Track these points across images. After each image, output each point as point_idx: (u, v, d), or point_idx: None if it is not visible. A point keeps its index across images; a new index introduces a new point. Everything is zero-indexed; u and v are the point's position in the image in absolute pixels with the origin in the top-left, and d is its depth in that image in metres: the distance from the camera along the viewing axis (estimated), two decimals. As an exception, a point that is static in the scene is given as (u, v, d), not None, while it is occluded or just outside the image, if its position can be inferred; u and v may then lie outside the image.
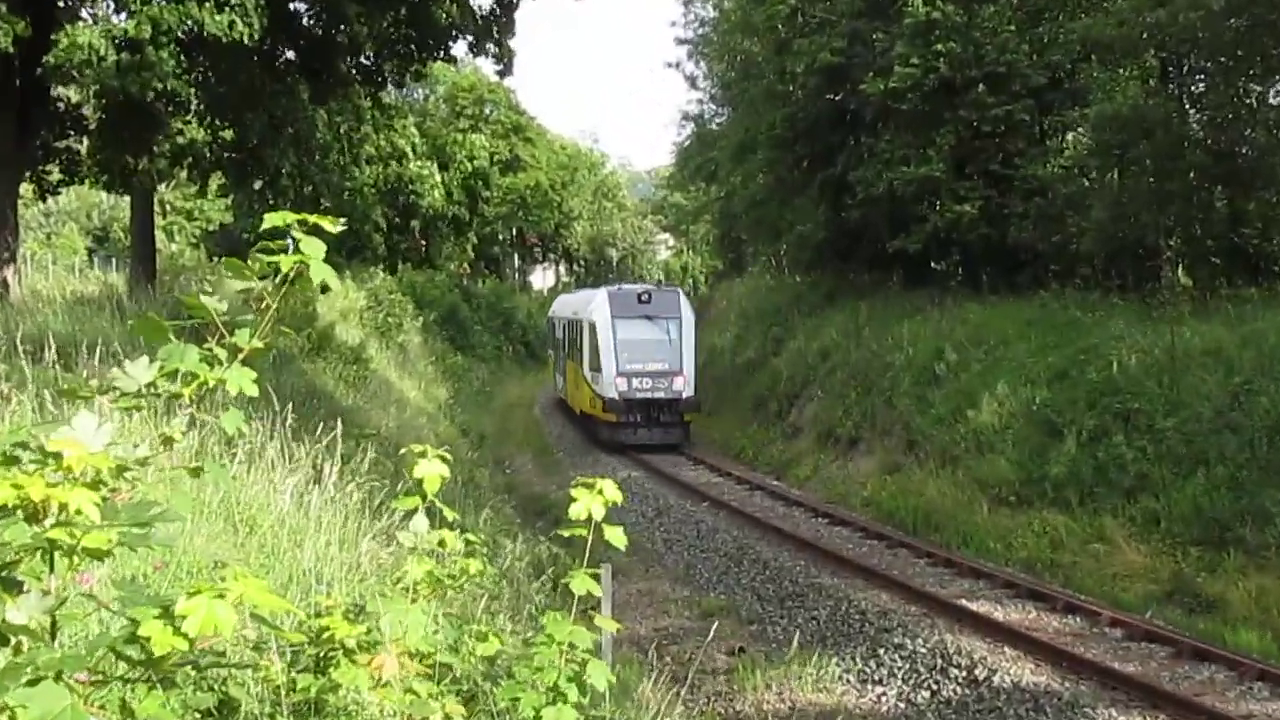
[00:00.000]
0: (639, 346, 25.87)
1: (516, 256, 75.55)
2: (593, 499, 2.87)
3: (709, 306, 42.04)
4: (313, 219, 2.18)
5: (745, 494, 20.48)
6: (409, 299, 32.83)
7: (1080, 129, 22.78)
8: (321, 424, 7.44)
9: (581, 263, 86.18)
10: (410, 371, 27.77)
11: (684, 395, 25.92)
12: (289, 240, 2.27)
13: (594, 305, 27.40)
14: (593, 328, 26.68)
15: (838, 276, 29.84)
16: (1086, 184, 21.84)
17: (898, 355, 21.35)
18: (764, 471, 23.16)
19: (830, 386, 23.52)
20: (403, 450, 2.99)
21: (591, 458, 25.60)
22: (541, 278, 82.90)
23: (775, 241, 34.64)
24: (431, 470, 2.87)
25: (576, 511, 2.85)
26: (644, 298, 26.64)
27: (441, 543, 3.16)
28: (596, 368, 26.41)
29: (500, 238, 69.07)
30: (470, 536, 3.45)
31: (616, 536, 2.95)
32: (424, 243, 43.93)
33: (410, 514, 3.07)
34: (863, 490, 19.02)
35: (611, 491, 2.91)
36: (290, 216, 2.16)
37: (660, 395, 25.77)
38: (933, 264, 26.92)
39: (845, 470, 20.54)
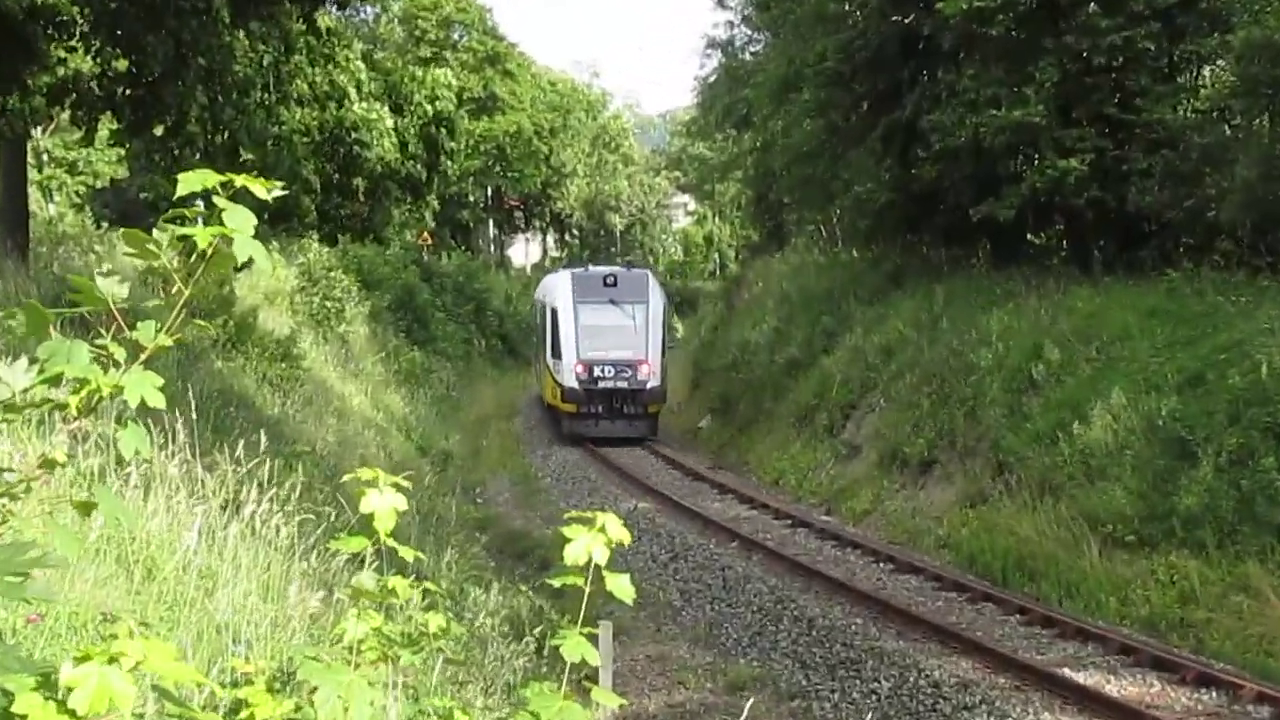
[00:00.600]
0: (602, 332, 30.55)
1: (492, 224, 75.65)
2: (593, 539, 2.87)
3: (740, 289, 42.05)
4: (240, 180, 2.20)
5: (786, 532, 20.50)
6: (352, 278, 32.89)
7: (1220, 61, 22.69)
8: (240, 438, 7.48)
9: (575, 232, 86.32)
10: (354, 371, 27.86)
11: (649, 385, 30.62)
12: (202, 205, 2.30)
13: (557, 288, 32.54)
14: (554, 312, 31.48)
15: (906, 252, 29.78)
16: (1228, 132, 21.75)
17: (984, 354, 21.33)
18: (810, 503, 23.17)
19: (896, 394, 23.52)
20: (346, 477, 3.01)
21: (587, 485, 25.68)
22: (524, 251, 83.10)
23: (826, 206, 34.55)
24: (384, 504, 2.88)
25: (573, 555, 2.86)
26: (610, 280, 31.62)
27: (393, 591, 3.19)
28: (557, 354, 31.09)
29: (471, 199, 69.17)
30: (430, 585, 3.48)
31: (622, 588, 2.95)
32: (371, 206, 43.95)
33: (356, 558, 3.10)
34: (937, 528, 19.01)
35: (616, 529, 2.91)
36: (213, 177, 2.19)
37: (623, 385, 30.44)
38: (1029, 236, 26.81)
39: (915, 502, 20.54)
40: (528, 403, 39.83)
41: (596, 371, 30.41)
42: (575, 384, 30.35)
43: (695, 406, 36.60)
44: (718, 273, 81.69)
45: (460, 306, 46.92)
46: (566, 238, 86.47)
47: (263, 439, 7.42)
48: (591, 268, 35.77)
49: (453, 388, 37.08)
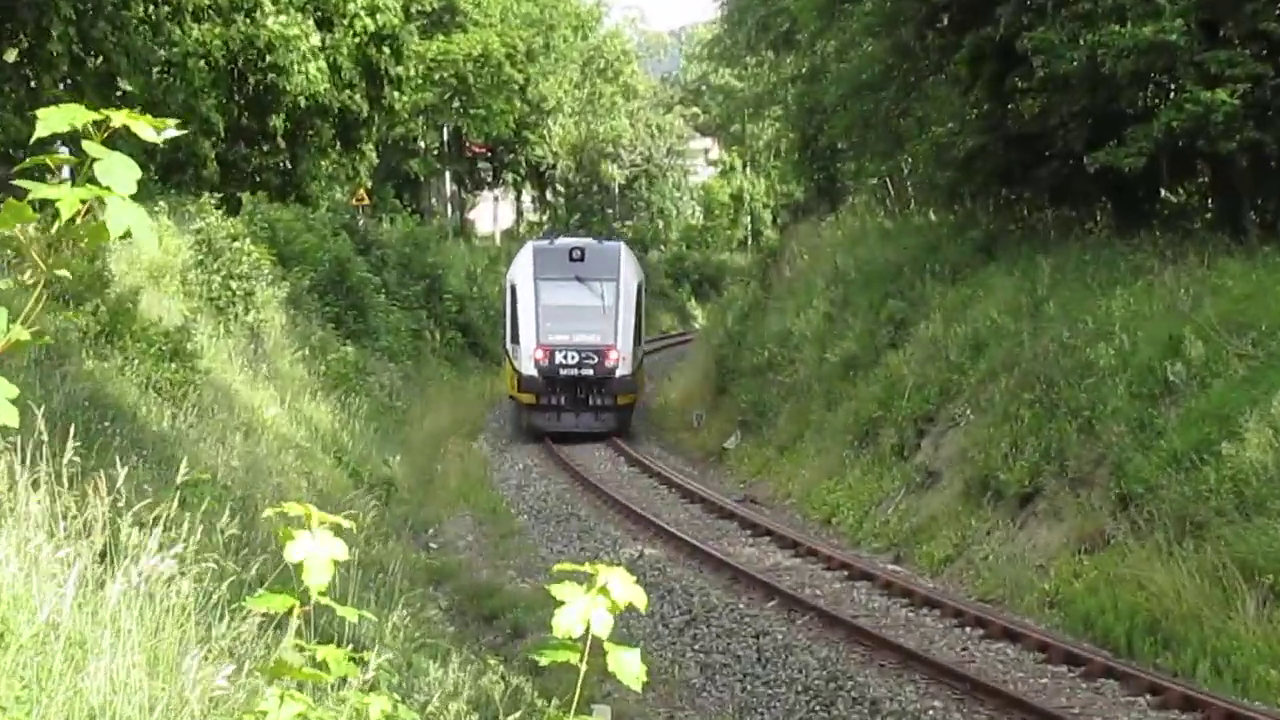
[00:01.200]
0: (565, 314, 35.11)
1: (449, 178, 75.67)
2: (592, 602, 2.86)
3: (779, 263, 42.05)
4: (121, 118, 2.19)
5: (841, 586, 20.50)
6: (265, 250, 32.88)
7: None
8: (120, 463, 7.49)
9: (560, 188, 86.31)
10: (267, 374, 27.85)
11: (618, 374, 34.93)
12: (72, 152, 2.29)
13: (517, 263, 37.92)
14: (514, 290, 36.60)
15: (1001, 214, 29.74)
16: None
17: (1103, 349, 21.30)
18: (873, 549, 23.15)
19: (988, 402, 23.50)
20: (268, 512, 3.02)
21: (576, 524, 25.69)
22: (492, 214, 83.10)
23: (894, 153, 34.54)
24: (318, 552, 2.89)
25: (566, 624, 2.85)
26: (576, 254, 36.52)
27: (323, 666, 3.20)
28: (516, 339, 35.87)
29: (422, 145, 69.09)
30: (370, 656, 3.50)
31: (629, 669, 2.93)
32: (291, 154, 43.92)
33: (272, 622, 3.11)
34: (1041, 580, 18.98)
35: (624, 589, 2.90)
36: (84, 114, 2.18)
37: (588, 373, 34.80)
38: (1163, 192, 26.74)
39: (1012, 546, 20.51)
40: (498, 415, 39.85)
41: (559, 357, 34.65)
42: (534, 371, 34.71)
43: (719, 420, 36.59)
44: (749, 242, 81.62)
45: (407, 287, 46.84)
46: (548, 196, 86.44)
47: (148, 463, 7.44)
48: (558, 240, 40.61)
49: (397, 395, 37.07)
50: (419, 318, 46.48)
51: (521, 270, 36.79)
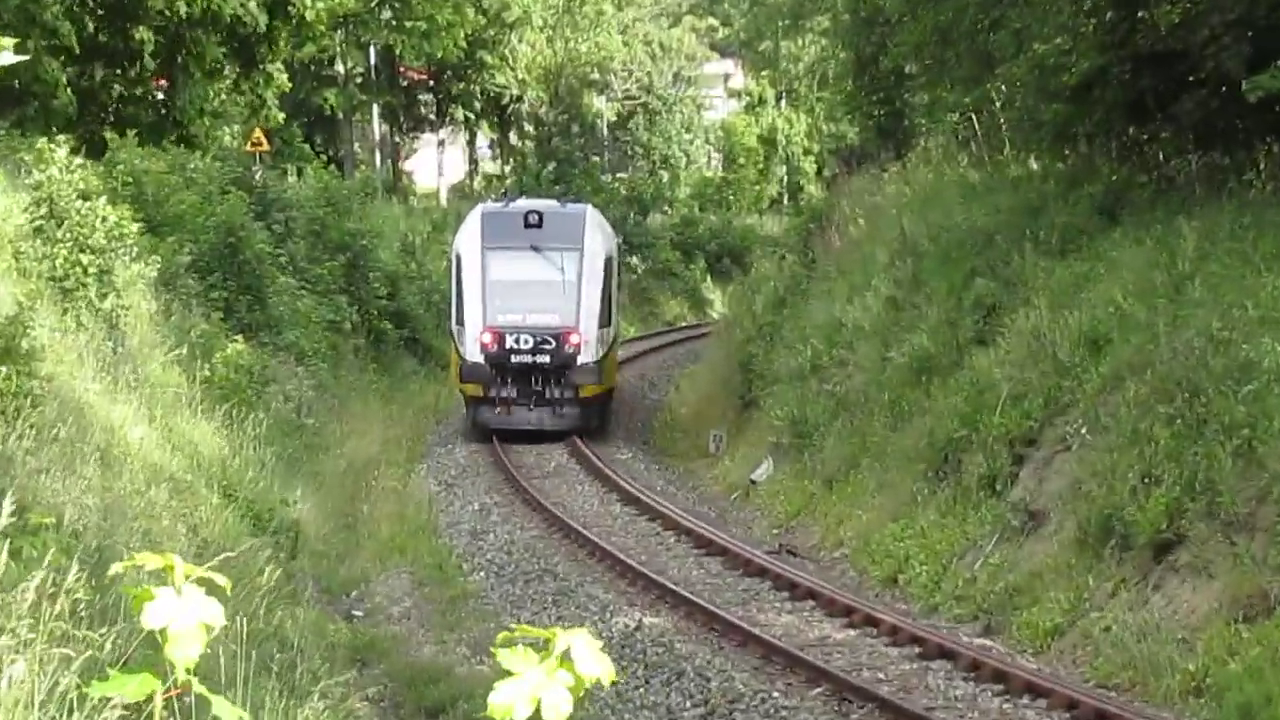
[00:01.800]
0: (518, 290, 38.91)
1: (378, 116, 75.72)
2: (548, 677, 2.87)
3: (826, 231, 42.11)
4: None
5: (911, 667, 20.51)
6: (128, 213, 32.91)
7: None
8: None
9: (529, 129, 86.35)
10: (133, 381, 27.87)
11: (580, 361, 38.64)
12: None
13: (463, 230, 41.90)
14: (459, 262, 40.38)
15: (1128, 162, 29.75)
16: None
17: (1268, 345, 21.31)
18: (955, 616, 23.16)
19: (1110, 418, 23.48)
20: (117, 566, 2.98)
21: (552, 583, 25.71)
22: (436, 164, 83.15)
23: (981, 81, 34.57)
24: (183, 616, 2.86)
25: (505, 702, 2.85)
26: (533, 219, 40.22)
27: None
28: (460, 320, 39.61)
29: (341, 71, 69.14)
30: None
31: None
32: (169, 82, 43.95)
33: (141, 714, 3.08)
34: (1185, 659, 18.98)
35: (589, 658, 2.90)
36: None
37: (544, 360, 38.48)
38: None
39: (1145, 612, 20.51)
40: (444, 435, 39.92)
41: (509, 342, 38.45)
42: (480, 358, 38.43)
43: (745, 442, 36.66)
44: (786, 201, 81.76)
45: (321, 264, 46.86)
46: (513, 139, 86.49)
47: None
48: (515, 202, 44.57)
49: (308, 409, 37.11)
50: (337, 305, 46.47)
51: (468, 238, 40.57)
